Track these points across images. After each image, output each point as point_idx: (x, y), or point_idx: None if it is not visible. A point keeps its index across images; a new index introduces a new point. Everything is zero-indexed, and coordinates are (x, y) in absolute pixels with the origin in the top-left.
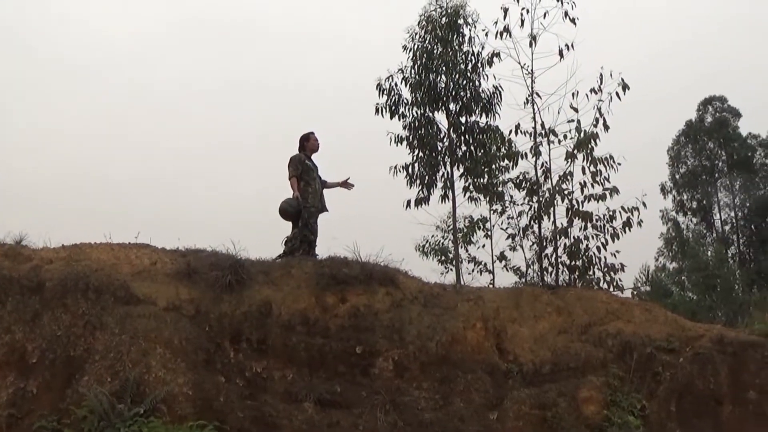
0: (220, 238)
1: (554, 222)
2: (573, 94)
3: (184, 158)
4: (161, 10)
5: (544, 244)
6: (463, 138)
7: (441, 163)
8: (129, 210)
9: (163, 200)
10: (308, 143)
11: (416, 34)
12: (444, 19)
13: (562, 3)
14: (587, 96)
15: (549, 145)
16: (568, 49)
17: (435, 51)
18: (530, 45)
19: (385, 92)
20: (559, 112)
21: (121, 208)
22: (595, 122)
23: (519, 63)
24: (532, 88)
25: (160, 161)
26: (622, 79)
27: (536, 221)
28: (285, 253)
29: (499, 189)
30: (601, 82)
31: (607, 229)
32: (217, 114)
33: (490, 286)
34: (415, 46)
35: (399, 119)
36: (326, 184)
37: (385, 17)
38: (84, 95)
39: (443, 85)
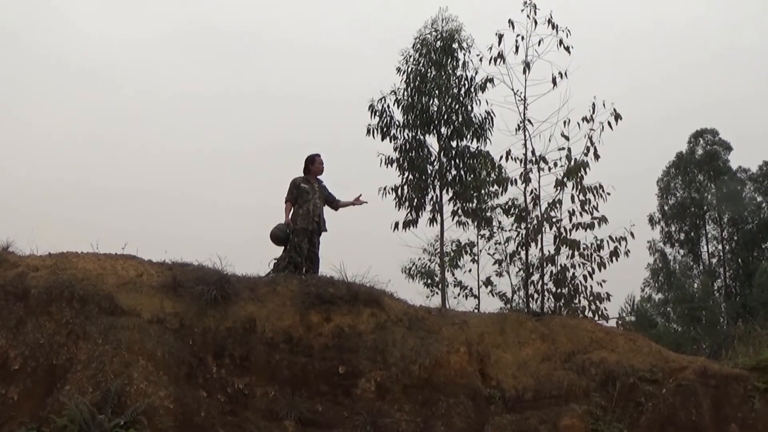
0: (207, 253)
1: (541, 249)
2: (565, 122)
3: (176, 169)
4: (161, 19)
5: (531, 270)
6: (453, 162)
7: (430, 186)
8: (116, 220)
9: (151, 211)
10: (312, 166)
11: (410, 56)
12: (439, 42)
13: (557, 31)
14: (579, 124)
15: (539, 172)
16: (561, 77)
17: (429, 74)
18: (524, 72)
19: (377, 113)
20: (550, 140)
21: (109, 218)
22: (585, 151)
23: (512, 89)
24: (524, 114)
25: (151, 171)
26: (614, 109)
27: (523, 248)
28: (271, 272)
29: (488, 214)
30: (594, 111)
31: (594, 258)
32: (210, 124)
33: (476, 311)
34: (409, 69)
35: (390, 141)
36: (339, 204)
37: (386, 31)
38: (79, 100)
39: (435, 109)
